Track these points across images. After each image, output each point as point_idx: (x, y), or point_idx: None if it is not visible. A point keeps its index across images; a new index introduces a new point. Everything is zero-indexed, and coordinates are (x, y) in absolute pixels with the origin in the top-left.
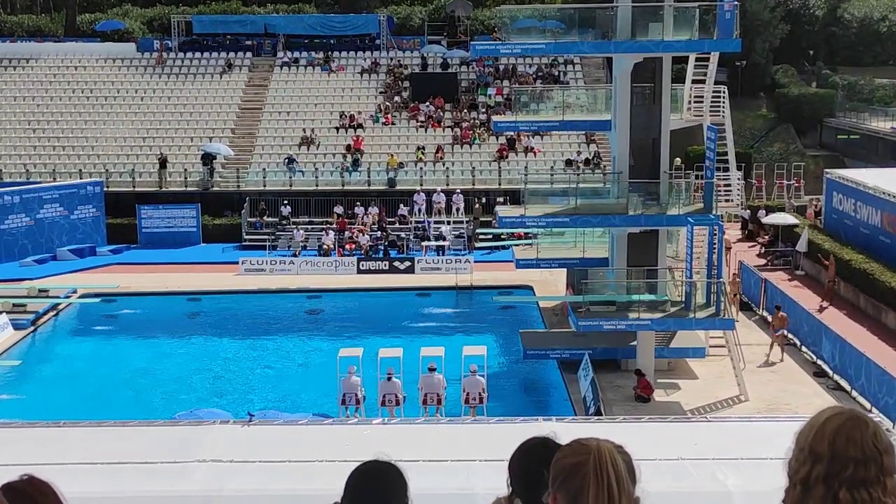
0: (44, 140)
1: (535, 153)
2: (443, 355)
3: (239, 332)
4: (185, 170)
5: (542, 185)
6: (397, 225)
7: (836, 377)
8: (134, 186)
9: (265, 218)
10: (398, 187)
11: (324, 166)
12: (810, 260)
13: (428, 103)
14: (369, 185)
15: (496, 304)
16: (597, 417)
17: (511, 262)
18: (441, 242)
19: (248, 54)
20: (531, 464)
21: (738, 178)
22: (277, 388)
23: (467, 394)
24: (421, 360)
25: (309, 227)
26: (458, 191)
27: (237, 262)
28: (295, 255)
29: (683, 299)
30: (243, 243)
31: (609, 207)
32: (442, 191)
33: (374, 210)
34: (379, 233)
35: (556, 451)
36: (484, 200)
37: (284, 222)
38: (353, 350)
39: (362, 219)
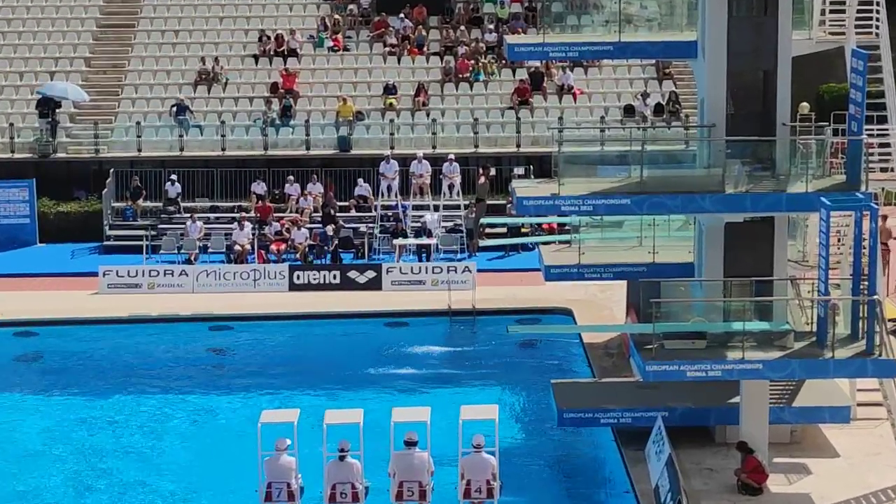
0: None
1: (574, 96)
2: (428, 421)
3: (97, 384)
4: (11, 125)
5: (585, 147)
6: (354, 213)
7: None
8: None
9: (141, 202)
10: (355, 152)
11: (234, 119)
12: None
13: (402, 16)
14: (308, 148)
15: (513, 339)
16: None
17: (537, 270)
18: (424, 240)
19: None
20: None
21: None
22: (157, 479)
23: (468, 482)
24: (393, 428)
25: (212, 216)
26: (452, 157)
27: (96, 274)
28: (189, 262)
29: (815, 328)
30: (106, 243)
31: (694, 182)
32: (425, 157)
33: (316, 188)
34: (325, 225)
35: None
36: (493, 172)
37: (172, 209)
38: (283, 413)
39: (297, 203)
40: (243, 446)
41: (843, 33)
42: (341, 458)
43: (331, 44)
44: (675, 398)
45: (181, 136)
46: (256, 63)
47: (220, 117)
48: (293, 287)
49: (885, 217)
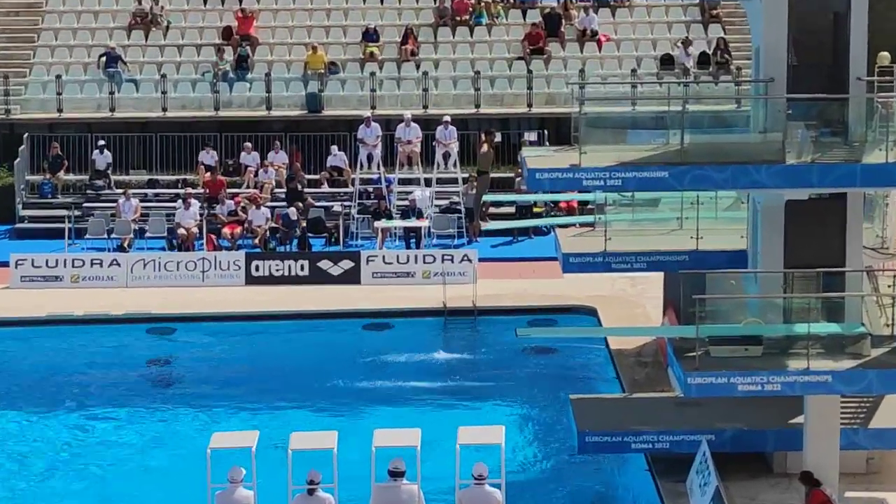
0: None
1: (599, 43)
2: (417, 446)
3: (2, 401)
4: None
5: (613, 106)
6: (326, 188)
7: None
8: None
9: (62, 175)
10: (327, 112)
11: (178, 71)
12: None
13: None
14: (269, 107)
15: (523, 345)
16: None
17: (553, 260)
18: (414, 222)
19: None
20: None
21: None
22: None
23: None
24: (374, 454)
25: (150, 192)
26: (448, 120)
27: (6, 264)
28: (122, 249)
29: None
30: (19, 226)
31: (748, 150)
32: (414, 120)
33: (278, 158)
34: (290, 204)
35: None
36: (498, 138)
37: (100, 183)
38: (238, 436)
39: (256, 176)
40: (189, 478)
41: None
42: (310, 493)
43: None
44: (724, 418)
45: (112, 93)
46: (205, 3)
47: (161, 70)
48: (251, 280)
49: None
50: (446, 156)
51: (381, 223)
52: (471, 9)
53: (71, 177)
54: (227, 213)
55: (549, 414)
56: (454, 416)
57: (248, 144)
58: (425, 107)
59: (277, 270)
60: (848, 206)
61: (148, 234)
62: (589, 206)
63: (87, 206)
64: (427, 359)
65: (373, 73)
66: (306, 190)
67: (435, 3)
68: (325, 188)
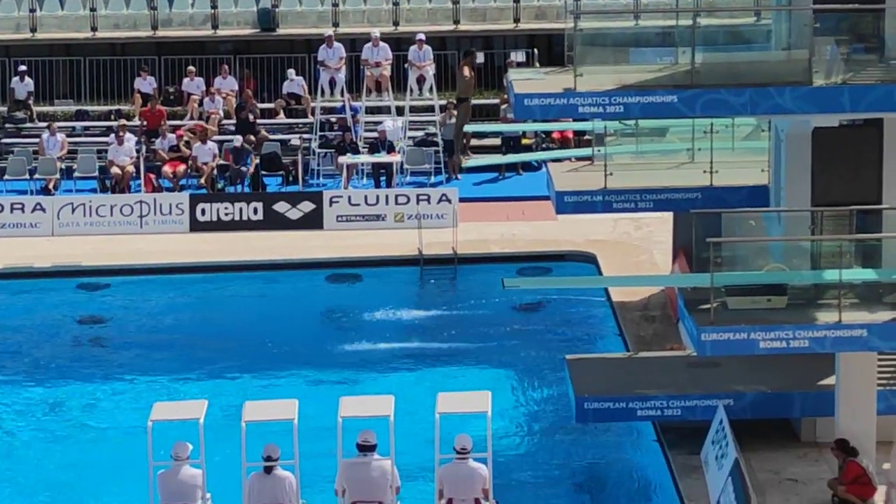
0: None
1: None
2: (390, 415)
3: None
4: None
5: (612, 20)
6: (282, 118)
7: None
8: None
9: None
10: (282, 31)
11: None
12: None
13: None
14: (215, 26)
15: (512, 298)
16: None
17: (545, 199)
18: (384, 157)
19: None
20: None
21: None
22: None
23: (449, 501)
24: (341, 425)
25: (78, 125)
26: (422, 38)
27: None
28: (47, 192)
29: None
30: None
31: (769, 70)
32: (383, 39)
33: (226, 84)
34: (239, 136)
35: None
36: (480, 59)
37: (21, 115)
38: (183, 406)
39: (200, 105)
40: (126, 454)
41: None
42: (267, 471)
43: None
44: (744, 380)
45: (32, 10)
46: None
47: None
48: (196, 226)
49: None
50: (421, 80)
51: (345, 158)
52: None
53: None
54: (168, 149)
55: (543, 377)
56: (433, 381)
57: (192, 69)
58: (396, 23)
59: (227, 214)
60: (885, 134)
61: (76, 174)
62: (586, 137)
63: (5, 142)
64: (401, 315)
65: None
66: (259, 121)
67: None
68: (281, 118)
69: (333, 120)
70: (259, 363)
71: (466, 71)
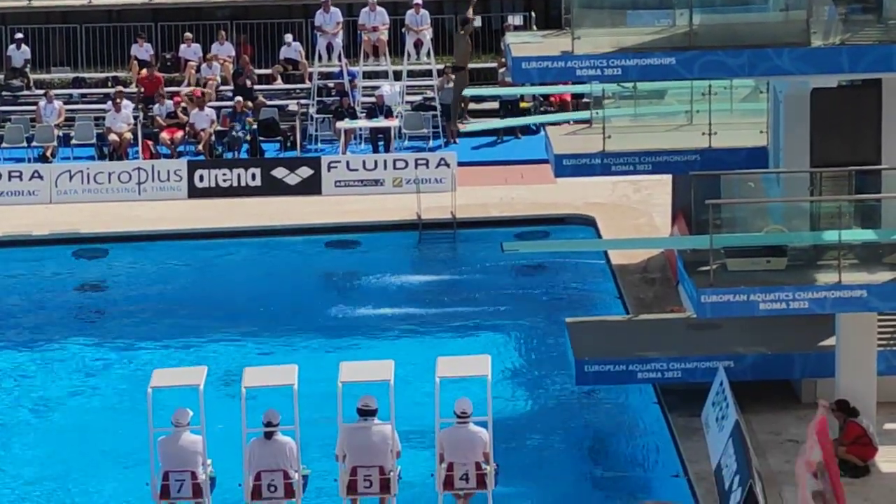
0: None
1: None
2: (390, 380)
3: None
4: None
5: None
6: (279, 84)
7: None
8: None
9: None
10: None
11: None
12: None
13: None
14: None
15: (511, 261)
16: None
17: (544, 162)
18: (382, 122)
19: None
20: None
21: None
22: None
23: (450, 466)
24: (341, 390)
25: (75, 92)
26: (419, 2)
27: None
28: (45, 159)
29: None
30: None
31: (767, 31)
32: (380, 3)
33: (224, 50)
34: (236, 100)
35: None
36: (477, 22)
37: (17, 83)
38: (183, 373)
39: (198, 71)
40: (126, 420)
41: None
42: (268, 436)
43: None
44: (744, 342)
45: None
46: None
47: None
48: (194, 192)
49: None
50: (418, 44)
51: (343, 123)
52: None
53: None
54: (166, 116)
55: (542, 341)
56: (432, 346)
57: (189, 35)
58: None
59: (225, 180)
60: (883, 94)
61: (74, 142)
62: (584, 100)
63: (2, 109)
64: (400, 280)
65: None
66: (256, 87)
67: None
68: (279, 84)
69: (331, 85)
70: (258, 329)
71: (463, 34)
